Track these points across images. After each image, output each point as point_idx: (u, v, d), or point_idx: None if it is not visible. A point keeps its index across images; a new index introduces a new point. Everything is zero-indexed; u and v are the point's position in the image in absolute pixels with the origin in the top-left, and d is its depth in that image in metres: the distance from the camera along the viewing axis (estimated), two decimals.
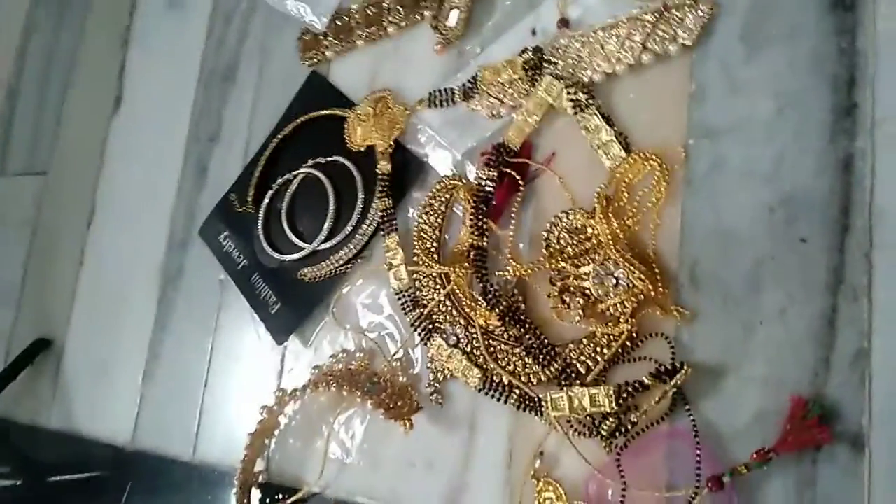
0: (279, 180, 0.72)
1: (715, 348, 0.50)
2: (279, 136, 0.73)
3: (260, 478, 0.65)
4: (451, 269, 0.59)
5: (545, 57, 0.60)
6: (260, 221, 0.72)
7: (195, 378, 0.73)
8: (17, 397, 0.85)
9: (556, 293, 0.55)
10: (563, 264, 0.55)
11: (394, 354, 0.62)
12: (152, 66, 0.89)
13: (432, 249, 0.62)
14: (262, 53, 0.79)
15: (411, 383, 0.61)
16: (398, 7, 0.70)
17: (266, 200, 0.72)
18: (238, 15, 0.82)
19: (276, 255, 0.69)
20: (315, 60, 0.74)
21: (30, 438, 0.84)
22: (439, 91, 0.65)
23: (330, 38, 0.73)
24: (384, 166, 0.65)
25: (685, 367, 0.48)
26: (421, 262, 0.61)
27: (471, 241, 0.59)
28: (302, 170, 0.71)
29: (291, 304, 0.68)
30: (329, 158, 0.69)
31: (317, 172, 0.69)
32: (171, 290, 0.78)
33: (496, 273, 0.58)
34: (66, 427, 0.82)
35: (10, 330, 0.91)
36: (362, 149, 0.67)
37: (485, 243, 0.59)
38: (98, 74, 0.93)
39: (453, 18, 0.66)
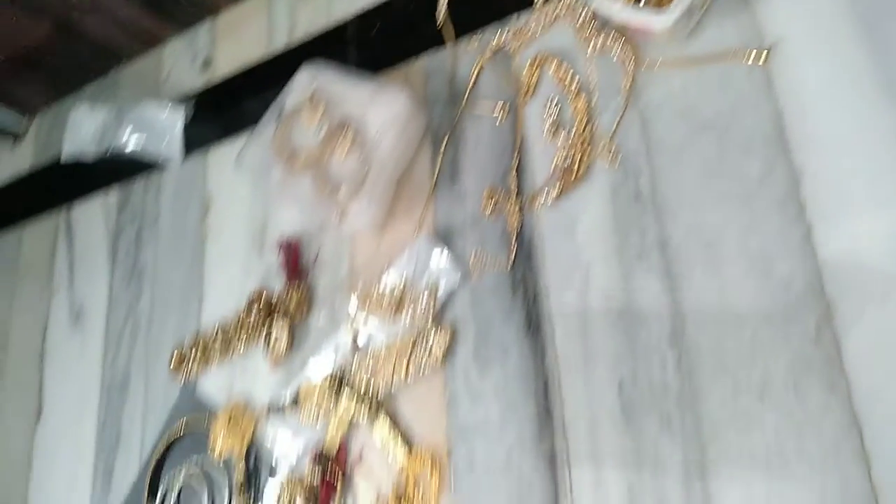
0: (166, 483, 0.78)
1: None
2: (161, 448, 0.80)
3: None
4: None
5: (343, 378, 0.70)
6: None
7: None
8: None
9: None
10: None
11: None
12: (64, 379, 0.96)
13: None
14: (147, 369, 0.87)
15: None
16: (239, 333, 0.79)
17: (158, 501, 0.79)
18: (125, 336, 0.91)
19: None
20: (184, 376, 0.82)
21: None
22: (275, 404, 0.74)
23: (193, 358, 0.82)
24: (240, 470, 0.73)
25: None
26: None
27: None
28: (182, 474, 0.78)
29: None
30: (203, 465, 0.77)
31: (193, 479, 0.76)
32: None
33: None
34: None
35: None
36: (223, 456, 0.75)
37: None
38: (22, 387, 1.00)
39: (279, 344, 0.76)
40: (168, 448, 0.81)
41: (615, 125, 0.63)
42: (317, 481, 0.68)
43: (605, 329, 0.59)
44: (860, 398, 0.48)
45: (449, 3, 0.76)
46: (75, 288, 1.00)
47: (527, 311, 0.63)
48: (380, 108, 0.72)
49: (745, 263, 0.54)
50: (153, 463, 0.81)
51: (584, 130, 0.64)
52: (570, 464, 0.57)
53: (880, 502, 0.46)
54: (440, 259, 0.68)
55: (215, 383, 0.80)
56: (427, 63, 0.77)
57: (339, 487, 0.67)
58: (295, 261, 0.78)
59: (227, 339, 0.80)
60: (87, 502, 0.87)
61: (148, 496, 0.80)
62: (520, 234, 0.65)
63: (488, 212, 0.67)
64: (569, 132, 0.65)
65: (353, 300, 0.72)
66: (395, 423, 0.66)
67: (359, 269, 0.74)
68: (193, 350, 0.82)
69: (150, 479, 0.80)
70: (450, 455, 0.63)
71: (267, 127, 0.76)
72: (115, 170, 1.00)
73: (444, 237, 0.69)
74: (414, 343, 0.67)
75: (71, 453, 0.91)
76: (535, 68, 0.68)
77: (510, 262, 0.65)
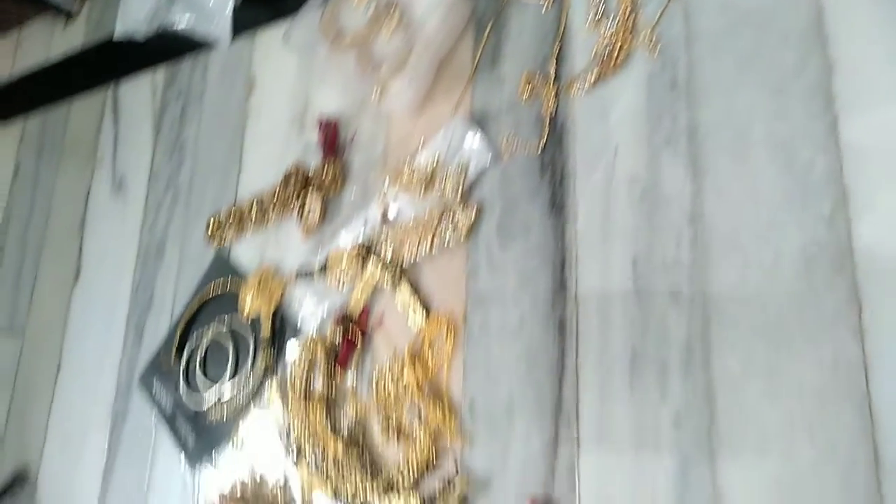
0: (194, 339, 0.85)
1: (484, 463, 0.63)
2: (193, 307, 0.86)
3: None
4: (310, 409, 0.72)
5: (370, 247, 0.75)
6: (181, 373, 0.85)
7: (136, 499, 0.85)
8: None
9: (384, 426, 0.69)
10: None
11: (277, 480, 0.74)
12: (102, 245, 1.03)
13: (302, 392, 0.75)
14: (183, 236, 0.93)
15: (289, 500, 0.73)
16: (275, 204, 0.84)
17: (185, 356, 0.85)
18: (164, 205, 0.97)
19: (193, 400, 0.82)
20: (219, 242, 0.88)
21: None
22: (304, 269, 0.79)
23: (229, 226, 0.88)
24: (266, 329, 0.79)
25: (461, 479, 0.61)
26: (292, 404, 0.74)
27: (324, 389, 0.72)
28: (211, 331, 0.84)
29: (204, 440, 0.80)
30: (230, 325, 0.83)
31: (220, 337, 0.83)
32: (118, 429, 0.90)
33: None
34: None
35: None
36: (251, 316, 0.80)
37: (332, 391, 0.72)
38: (61, 252, 1.07)
39: (312, 215, 0.81)
40: (199, 309, 0.87)
41: (658, 16, 0.65)
42: (338, 340, 0.73)
43: (626, 209, 0.62)
44: (863, 277, 0.52)
45: None
46: (118, 160, 1.05)
47: (553, 192, 0.66)
48: None
49: (770, 150, 0.57)
50: (184, 321, 0.87)
51: (627, 20, 0.67)
52: (579, 331, 0.62)
53: (869, 372, 0.50)
54: (473, 140, 0.72)
55: (248, 251, 0.86)
56: None
57: (358, 346, 0.72)
58: (333, 138, 0.82)
59: (262, 210, 0.85)
60: (118, 356, 0.94)
61: (176, 351, 0.86)
62: (553, 119, 0.68)
63: (525, 96, 0.70)
64: (612, 21, 0.68)
65: (386, 176, 0.76)
66: (416, 289, 0.71)
67: (393, 147, 0.78)
68: (229, 219, 0.87)
69: (180, 336, 0.86)
70: (465, 320, 0.67)
71: (315, 6, 0.80)
72: (164, 49, 1.05)
73: (480, 120, 0.73)
74: (440, 218, 0.71)
75: (105, 313, 0.98)
76: None
77: (541, 145, 0.68)
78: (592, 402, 0.59)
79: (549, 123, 0.68)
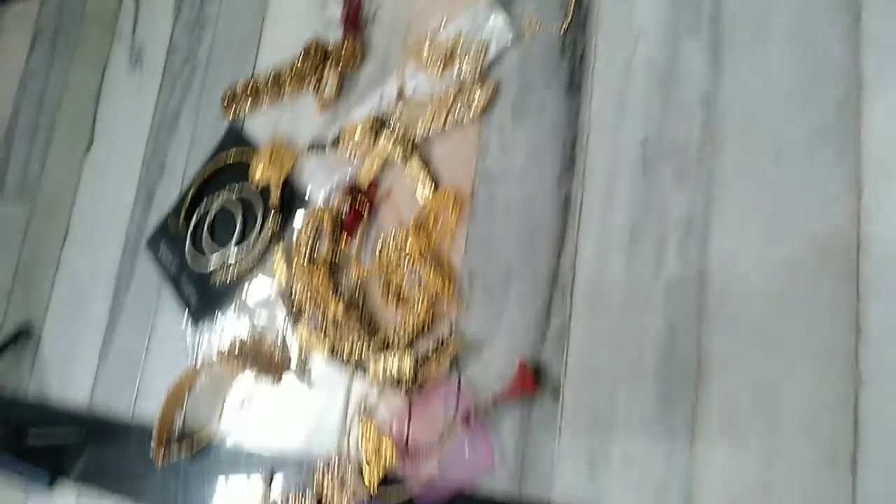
0: (204, 206, 0.87)
1: (478, 328, 0.66)
2: (204, 174, 0.89)
3: (176, 430, 0.80)
4: (314, 272, 0.75)
5: (384, 121, 0.77)
6: (188, 237, 0.87)
7: (137, 355, 0.88)
8: (2, 373, 1.00)
9: (384, 290, 0.72)
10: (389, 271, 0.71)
11: (275, 338, 0.78)
12: (117, 115, 1.04)
13: (306, 257, 0.77)
14: (198, 108, 0.95)
15: (286, 357, 0.76)
16: (291, 79, 0.86)
17: (193, 221, 0.88)
18: (181, 79, 0.98)
19: (199, 263, 0.85)
20: (233, 114, 0.90)
21: (12, 405, 0.99)
22: (316, 142, 0.81)
23: (244, 99, 0.89)
24: (275, 197, 0.81)
25: (454, 340, 0.64)
26: (296, 267, 0.77)
27: (329, 254, 0.75)
28: (220, 198, 0.86)
29: (207, 300, 0.83)
30: (240, 192, 0.85)
31: (230, 204, 0.85)
32: (123, 289, 0.94)
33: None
34: (40, 395, 0.97)
35: (1, 319, 1.06)
36: (260, 185, 0.83)
37: (337, 257, 0.75)
38: (76, 122, 1.09)
39: (328, 90, 0.82)
40: (210, 177, 0.89)
41: None
42: (346, 209, 0.75)
43: (641, 92, 0.64)
44: (867, 160, 0.53)
45: None
46: (137, 35, 1.06)
47: (571, 73, 0.68)
48: None
49: (790, 40, 0.58)
50: (194, 188, 0.89)
51: None
52: (583, 207, 0.64)
53: (861, 252, 0.52)
54: (496, 20, 0.72)
55: (262, 124, 0.87)
56: None
57: (365, 215, 0.75)
58: (356, 13, 0.83)
59: (278, 83, 0.86)
60: (126, 222, 0.97)
61: (185, 216, 0.89)
62: (579, 1, 0.69)
63: None
64: None
65: (406, 53, 0.77)
66: (426, 164, 0.73)
67: (415, 25, 0.79)
68: (245, 91, 0.89)
69: (190, 202, 0.89)
70: (472, 195, 0.69)
71: None
72: None
73: (504, 1, 0.73)
74: (456, 95, 0.72)
75: (116, 180, 1.00)
76: None
77: (564, 26, 0.69)
78: (588, 275, 0.62)
79: (574, 6, 0.69)
